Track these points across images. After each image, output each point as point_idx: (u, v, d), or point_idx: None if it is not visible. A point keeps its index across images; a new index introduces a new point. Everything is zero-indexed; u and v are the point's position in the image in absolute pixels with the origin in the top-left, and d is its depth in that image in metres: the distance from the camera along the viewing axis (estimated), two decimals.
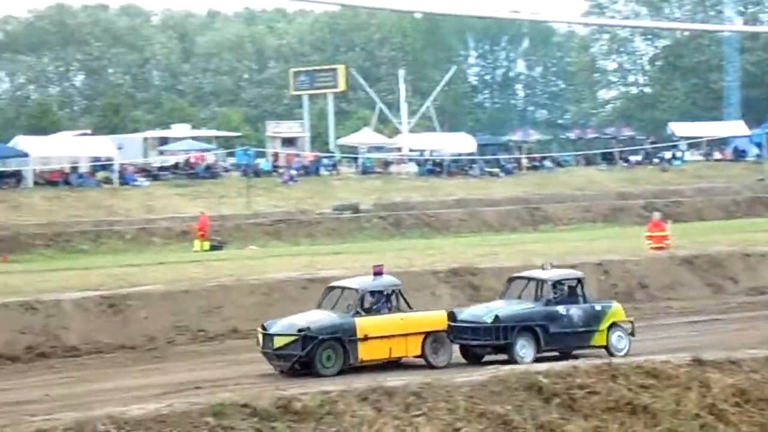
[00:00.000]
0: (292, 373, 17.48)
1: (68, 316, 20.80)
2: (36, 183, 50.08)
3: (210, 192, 50.90)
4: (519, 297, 19.03)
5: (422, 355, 18.28)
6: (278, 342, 17.74)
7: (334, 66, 70.93)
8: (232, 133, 69.41)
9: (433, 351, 18.28)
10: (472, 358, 18.53)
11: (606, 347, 18.75)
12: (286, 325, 17.97)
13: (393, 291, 18.54)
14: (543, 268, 19.55)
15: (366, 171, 58.92)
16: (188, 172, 54.60)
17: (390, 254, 29.91)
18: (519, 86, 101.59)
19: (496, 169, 60.61)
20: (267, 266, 27.25)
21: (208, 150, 59.52)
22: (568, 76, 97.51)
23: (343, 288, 18.64)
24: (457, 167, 60.74)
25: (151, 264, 29.89)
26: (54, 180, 50.19)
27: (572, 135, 75.52)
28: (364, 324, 17.91)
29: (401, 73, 68.40)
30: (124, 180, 51.55)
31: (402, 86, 66.96)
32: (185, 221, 42.75)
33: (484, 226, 46.32)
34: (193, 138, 62.50)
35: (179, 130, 65.17)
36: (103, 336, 20.95)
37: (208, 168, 55.50)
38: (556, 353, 18.23)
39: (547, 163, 64.28)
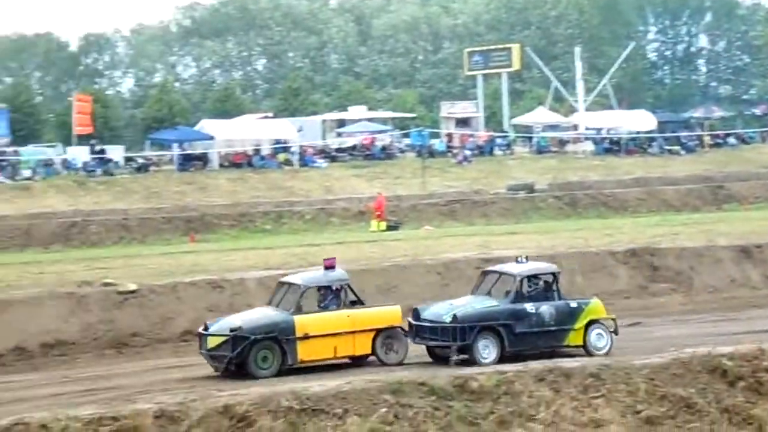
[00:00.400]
0: (228, 375, 16.61)
1: (252, 294, 21.51)
2: (221, 165, 51.82)
3: (386, 173, 51.49)
4: (489, 293, 17.79)
5: (373, 354, 17.22)
6: (211, 342, 16.88)
7: (508, 45, 70.41)
8: (407, 114, 69.92)
9: (386, 349, 17.24)
10: (438, 357, 17.42)
11: (584, 347, 17.41)
12: (222, 324, 17.08)
13: (342, 286, 17.45)
14: (517, 261, 18.19)
15: (541, 150, 58.34)
16: (365, 154, 55.37)
17: (565, 234, 29.61)
18: (701, 61, 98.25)
19: (676, 147, 58.96)
20: (442, 246, 27.41)
21: (383, 131, 60.15)
22: (753, 51, 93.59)
23: (290, 284, 17.66)
24: (636, 145, 59.41)
25: (329, 243, 30.53)
26: (238, 162, 51.79)
27: (758, 111, 72.61)
28: (304, 322, 16.91)
29: (577, 50, 67.27)
30: (304, 161, 52.73)
31: (578, 64, 65.86)
32: (362, 202, 43.38)
33: (664, 206, 45.15)
34: (369, 120, 63.27)
35: (356, 112, 66.12)
36: None
37: (383, 149, 56.13)
38: (526, 353, 16.76)
39: (731, 140, 62.08)
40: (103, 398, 14.94)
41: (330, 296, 17.43)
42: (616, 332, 17.73)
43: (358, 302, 17.63)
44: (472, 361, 16.56)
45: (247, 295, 21.50)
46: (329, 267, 17.65)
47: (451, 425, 13.36)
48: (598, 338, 17.49)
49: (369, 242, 30.50)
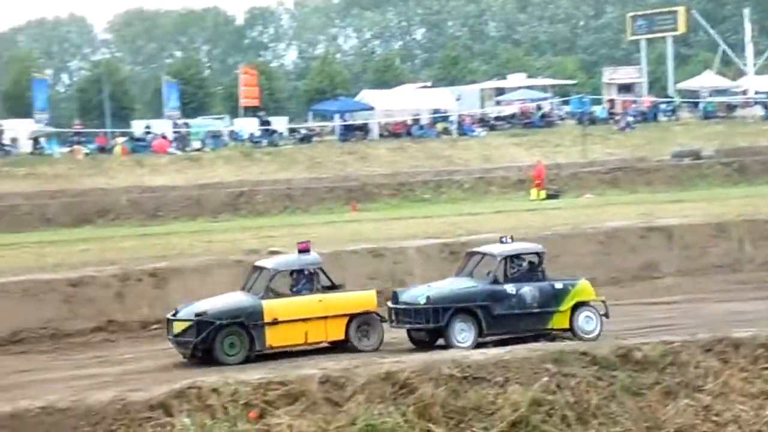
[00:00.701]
0: (196, 361, 16.16)
1: (412, 262, 21.71)
2: (381, 135, 52.35)
3: (545, 141, 50.93)
4: (471, 274, 17.01)
5: (346, 339, 16.60)
6: (177, 327, 16.39)
7: (674, 8, 68.37)
8: (568, 81, 68.93)
9: (360, 334, 16.63)
10: (419, 342, 16.74)
11: (571, 330, 16.47)
12: (189, 309, 16.51)
13: (314, 270, 16.87)
14: (502, 241, 17.32)
15: (707, 116, 56.53)
16: (524, 122, 54.92)
17: (734, 202, 28.72)
18: None
19: None
20: (604, 215, 27.01)
21: (543, 99, 59.51)
22: None
23: (262, 268, 17.04)
24: None
25: (488, 212, 30.50)
26: (397, 132, 52.20)
27: None
28: (273, 307, 16.36)
29: (746, 11, 64.77)
30: (463, 130, 52.71)
31: (748, 26, 63.44)
32: (521, 170, 43.10)
33: None
34: (528, 87, 62.69)
35: (515, 79, 65.61)
36: None
37: (543, 117, 55.53)
38: (507, 337, 15.99)
39: None
40: (269, 364, 15.43)
41: (302, 280, 16.89)
42: (606, 315, 16.77)
43: (333, 287, 17.09)
44: (447, 345, 15.98)
45: (407, 263, 21.72)
46: (303, 250, 17.05)
47: (614, 395, 13.23)
48: (587, 321, 16.64)
49: (528, 211, 30.34)
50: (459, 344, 15.93)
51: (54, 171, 43.67)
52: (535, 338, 15.89)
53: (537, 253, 17.17)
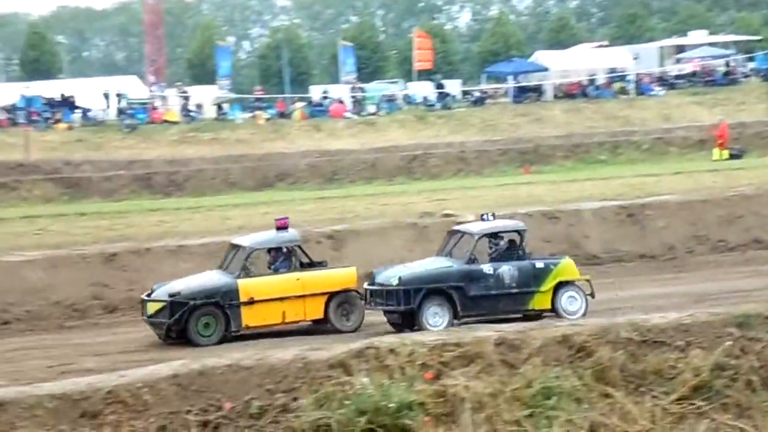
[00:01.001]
0: (171, 342, 15.92)
1: (588, 225, 21.48)
2: (555, 96, 51.66)
3: (728, 99, 49.21)
4: (450, 253, 16.18)
5: (326, 319, 16.21)
6: (150, 308, 16.11)
7: None
8: (752, 36, 66.12)
9: (340, 314, 16.22)
10: (395, 324, 15.98)
11: (553, 310, 15.66)
12: (163, 289, 16.21)
13: (292, 247, 16.39)
14: (483, 219, 16.39)
15: None
16: (705, 80, 53.14)
17: None
18: None
19: None
20: None
21: (725, 56, 57.35)
22: None
23: (238, 246, 16.59)
24: None
25: (667, 173, 29.82)
26: (572, 92, 51.38)
27: None
28: (249, 286, 16.01)
29: None
30: (641, 90, 51.45)
31: None
32: (702, 130, 41.83)
33: None
34: (710, 44, 60.53)
35: (696, 36, 63.44)
36: (623, 245, 21.40)
37: (726, 74, 53.57)
38: (485, 318, 15.27)
39: None
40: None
41: (280, 258, 16.54)
42: (592, 295, 16.13)
43: (312, 264, 16.71)
44: (418, 327, 15.39)
45: (583, 225, 21.50)
46: (281, 227, 16.65)
47: None
48: (570, 301, 16.04)
49: (710, 171, 29.50)
50: (431, 327, 15.33)
51: (236, 136, 45.01)
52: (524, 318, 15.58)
53: (518, 231, 16.59)
